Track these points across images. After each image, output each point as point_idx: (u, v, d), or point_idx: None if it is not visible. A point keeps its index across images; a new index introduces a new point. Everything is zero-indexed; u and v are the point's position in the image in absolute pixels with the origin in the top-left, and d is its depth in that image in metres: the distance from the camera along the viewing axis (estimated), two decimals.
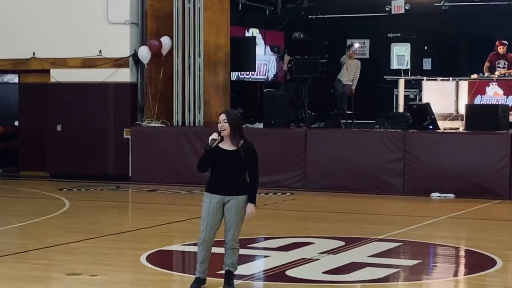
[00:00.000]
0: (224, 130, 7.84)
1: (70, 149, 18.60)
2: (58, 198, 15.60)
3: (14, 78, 20.13)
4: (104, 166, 18.49)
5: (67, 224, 12.81)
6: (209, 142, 7.86)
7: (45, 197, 15.93)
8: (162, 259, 10.20)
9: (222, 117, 7.90)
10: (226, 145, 7.91)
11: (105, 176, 18.33)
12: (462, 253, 10.94)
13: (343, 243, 10.90)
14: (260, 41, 21.58)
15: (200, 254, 8.04)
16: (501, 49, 18.26)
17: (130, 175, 18.21)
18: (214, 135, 7.85)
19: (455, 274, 9.64)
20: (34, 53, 18.89)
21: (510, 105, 17.56)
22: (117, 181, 18.03)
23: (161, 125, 18.16)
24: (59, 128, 18.77)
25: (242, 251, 10.27)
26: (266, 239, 11.71)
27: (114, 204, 15.40)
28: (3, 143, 20.31)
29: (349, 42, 21.20)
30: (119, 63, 18.35)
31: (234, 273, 8.16)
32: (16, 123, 20.01)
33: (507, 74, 18.11)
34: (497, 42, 18.39)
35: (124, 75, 18.38)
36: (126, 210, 15.25)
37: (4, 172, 19.86)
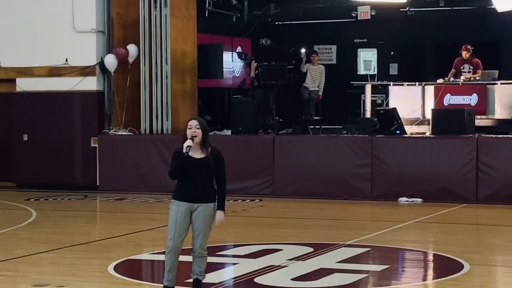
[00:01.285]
0: (196, 136, 7.81)
1: (37, 159, 18.46)
2: (25, 209, 15.48)
3: None
4: (72, 175, 18.38)
5: (34, 234, 12.71)
6: (185, 149, 7.80)
7: (12, 208, 15.80)
8: (131, 269, 10.15)
9: (194, 123, 7.86)
10: (196, 153, 7.88)
11: (73, 185, 18.22)
12: (430, 257, 10.99)
13: (311, 249, 10.91)
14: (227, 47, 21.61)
15: (168, 262, 8.01)
16: (464, 54, 18.40)
17: (98, 184, 18.10)
18: (189, 142, 7.80)
19: (423, 278, 9.68)
20: None
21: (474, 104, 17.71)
22: (85, 190, 17.93)
23: (129, 133, 18.09)
24: (25, 137, 18.63)
25: (211, 259, 10.25)
26: (234, 246, 11.70)
27: (81, 214, 15.31)
28: None
29: (301, 50, 21.15)
30: (85, 71, 18.25)
31: (203, 281, 8.14)
32: None
33: (472, 78, 18.25)
34: (462, 47, 18.53)
35: (91, 84, 18.29)
36: (93, 219, 15.17)
37: None
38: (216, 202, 7.96)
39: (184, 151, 7.77)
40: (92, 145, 18.21)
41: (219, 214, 7.93)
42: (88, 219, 14.84)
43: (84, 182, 18.25)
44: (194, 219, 7.95)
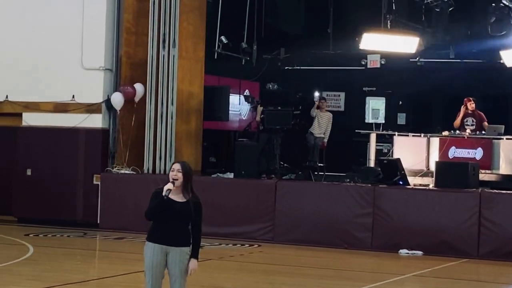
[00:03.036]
0: (177, 179, 7.80)
1: (39, 194, 18.44)
2: (23, 244, 15.42)
3: None
4: (73, 211, 18.34)
5: (29, 271, 12.64)
6: (164, 191, 7.79)
7: (10, 242, 15.75)
8: None
9: (177, 166, 7.86)
10: (176, 196, 7.85)
11: (74, 222, 18.17)
12: None
13: None
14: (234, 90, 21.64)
15: None
16: (470, 105, 18.35)
17: (98, 221, 18.05)
18: (170, 186, 7.79)
19: None
20: (7, 96, 18.82)
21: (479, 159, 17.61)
22: (85, 228, 17.86)
23: (132, 172, 18.06)
24: (28, 172, 18.63)
25: None
26: None
27: (79, 252, 15.23)
28: None
29: (315, 93, 21.18)
30: (92, 108, 18.30)
31: None
32: None
33: (478, 133, 18.19)
34: (465, 100, 18.49)
35: (96, 121, 18.32)
36: (91, 258, 15.07)
37: None
38: (191, 249, 7.88)
39: (163, 193, 7.76)
40: (95, 182, 18.19)
41: (193, 262, 7.85)
42: (85, 258, 14.75)
43: (84, 219, 18.21)
44: (170, 265, 7.88)
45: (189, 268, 7.83)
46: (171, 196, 7.80)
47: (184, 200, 7.83)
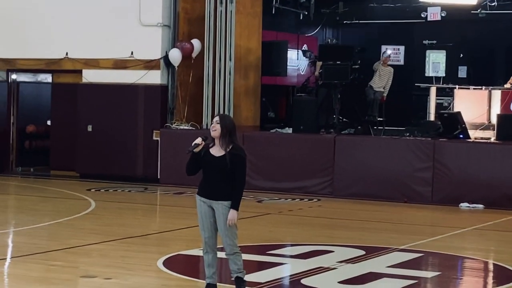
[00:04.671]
0: (214, 130, 7.83)
1: (100, 150, 18.67)
2: (85, 199, 15.66)
3: (47, 78, 20.25)
4: (133, 167, 18.53)
5: (91, 225, 12.84)
6: (192, 145, 7.86)
7: (72, 197, 16.00)
8: (179, 264, 10.16)
9: (216, 119, 7.93)
10: (215, 151, 7.89)
11: (134, 178, 18.37)
12: (483, 266, 10.76)
13: (363, 252, 10.79)
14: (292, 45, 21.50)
15: (205, 257, 8.03)
16: None
17: (158, 177, 18.22)
18: (198, 140, 7.87)
19: (474, 287, 9.46)
20: (67, 53, 19.01)
21: None
22: (145, 183, 18.06)
23: (191, 128, 18.14)
24: (89, 128, 18.85)
25: (261, 258, 10.28)
26: (286, 246, 11.64)
27: (140, 206, 15.42)
28: (35, 142, 20.44)
29: (383, 48, 21.00)
30: (150, 65, 18.38)
31: (244, 278, 8.06)
32: (49, 122, 20.14)
33: None
34: None
35: (154, 77, 18.41)
36: (151, 212, 15.23)
37: (35, 171, 19.99)
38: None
39: (189, 148, 7.82)
40: (154, 138, 18.33)
41: (231, 213, 7.88)
42: (146, 212, 14.93)
43: (145, 174, 18.40)
44: (217, 218, 7.94)
45: (228, 218, 7.85)
46: (211, 150, 7.86)
47: (221, 154, 7.86)
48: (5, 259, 10.13)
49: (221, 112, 17.92)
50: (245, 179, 7.95)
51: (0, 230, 12.15)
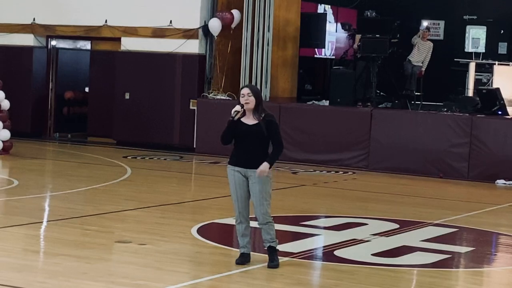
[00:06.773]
0: (248, 103, 7.86)
1: (137, 118, 18.75)
2: (121, 166, 15.78)
3: (86, 45, 20.36)
4: (170, 136, 18.60)
5: (126, 191, 12.96)
6: (232, 114, 7.90)
7: (109, 164, 16.13)
8: (213, 232, 10.23)
9: (246, 91, 7.95)
10: (248, 119, 7.94)
11: (170, 146, 18.46)
12: None
13: (397, 226, 10.79)
14: (331, 17, 21.38)
15: (238, 227, 8.07)
16: None
17: (194, 146, 18.29)
18: (237, 107, 7.91)
19: (508, 263, 9.42)
20: (106, 20, 19.07)
21: None
22: (181, 151, 18.15)
23: (228, 98, 18.16)
24: (127, 96, 18.93)
25: (294, 228, 10.31)
26: (320, 217, 11.66)
27: (175, 174, 15.51)
28: (73, 108, 20.60)
29: (423, 22, 20.81)
30: (188, 34, 18.38)
31: (277, 247, 8.10)
32: (87, 89, 20.27)
33: None
34: None
35: (193, 47, 18.41)
36: (186, 180, 15.30)
37: (73, 137, 20.16)
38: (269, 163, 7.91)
39: (232, 115, 7.84)
40: (191, 107, 18.37)
41: (264, 165, 7.89)
42: (181, 180, 15.00)
43: (181, 143, 18.47)
44: (251, 187, 7.98)
45: (259, 168, 7.86)
46: (243, 120, 7.89)
47: (255, 122, 7.90)
48: (42, 222, 10.27)
49: (259, 82, 17.91)
50: (282, 142, 8.03)
51: (37, 194, 12.30)
